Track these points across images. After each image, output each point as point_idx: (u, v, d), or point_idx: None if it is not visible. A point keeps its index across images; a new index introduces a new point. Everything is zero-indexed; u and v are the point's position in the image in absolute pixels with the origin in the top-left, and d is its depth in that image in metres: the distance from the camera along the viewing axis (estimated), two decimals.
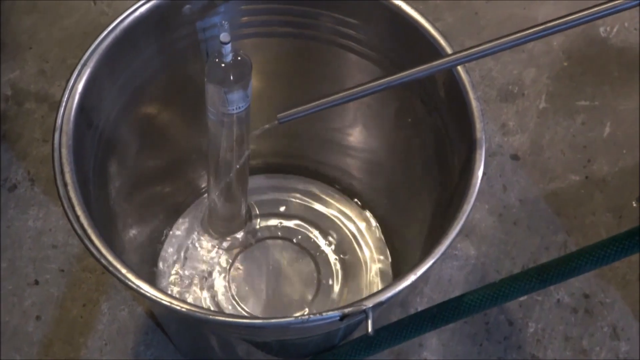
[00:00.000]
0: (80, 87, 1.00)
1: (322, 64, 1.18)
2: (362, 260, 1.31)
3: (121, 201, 1.15)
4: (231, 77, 1.01)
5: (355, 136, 1.28)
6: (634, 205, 1.39)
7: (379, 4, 1.06)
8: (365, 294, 1.28)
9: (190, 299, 1.26)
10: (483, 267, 1.34)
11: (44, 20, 1.55)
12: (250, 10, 1.12)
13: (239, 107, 1.04)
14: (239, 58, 1.01)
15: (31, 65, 1.50)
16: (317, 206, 1.35)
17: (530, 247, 1.36)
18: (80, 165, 0.98)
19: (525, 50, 1.54)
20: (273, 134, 1.29)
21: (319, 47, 1.15)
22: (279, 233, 1.33)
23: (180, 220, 1.33)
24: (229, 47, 0.99)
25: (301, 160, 1.36)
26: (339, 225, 1.34)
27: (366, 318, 0.90)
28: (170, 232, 1.32)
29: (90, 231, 0.92)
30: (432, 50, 1.03)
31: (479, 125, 1.00)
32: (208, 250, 1.31)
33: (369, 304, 0.89)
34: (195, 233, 1.32)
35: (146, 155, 1.20)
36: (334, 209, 1.35)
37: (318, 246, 1.31)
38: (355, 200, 1.35)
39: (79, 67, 1.01)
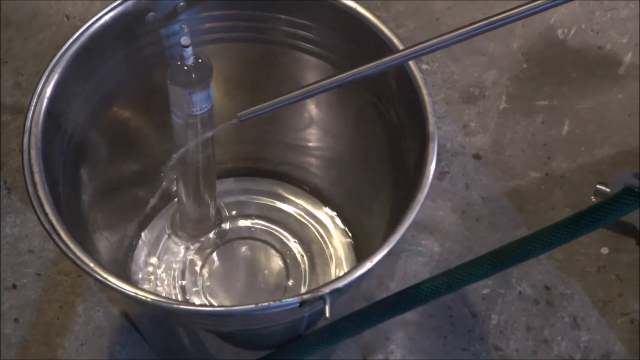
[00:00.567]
0: (48, 92, 1.04)
1: (282, 68, 1.22)
2: (328, 256, 1.35)
3: (93, 205, 1.19)
4: (194, 79, 1.05)
5: (318, 137, 1.33)
6: (593, 200, 1.44)
7: (330, 4, 1.11)
8: None
9: None
10: (447, 263, 1.38)
11: (18, 35, 1.59)
12: (210, 17, 1.16)
13: (202, 108, 1.09)
14: (200, 60, 1.06)
15: (6, 79, 1.54)
16: (285, 207, 1.40)
17: (493, 242, 1.40)
18: (49, 166, 1.02)
19: (485, 53, 1.59)
20: (240, 139, 1.34)
21: (279, 51, 1.20)
22: (249, 234, 1.37)
23: (152, 223, 1.37)
24: (189, 50, 1.03)
25: (268, 163, 1.41)
26: (305, 224, 1.38)
27: (324, 304, 0.94)
28: (142, 235, 1.36)
29: (58, 227, 0.96)
30: (385, 48, 1.08)
31: (431, 119, 1.04)
32: (179, 252, 1.35)
33: (327, 290, 0.93)
34: (166, 235, 1.36)
35: (117, 160, 1.24)
36: (301, 209, 1.39)
37: (286, 245, 1.36)
38: (321, 199, 1.40)
39: (47, 72, 1.05)
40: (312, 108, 1.27)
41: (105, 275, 0.94)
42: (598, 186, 1.42)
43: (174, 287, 1.32)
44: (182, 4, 1.13)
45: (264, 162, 1.41)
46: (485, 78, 1.57)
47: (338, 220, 1.38)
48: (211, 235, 1.36)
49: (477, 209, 1.44)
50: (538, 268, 1.39)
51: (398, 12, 1.65)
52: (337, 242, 1.36)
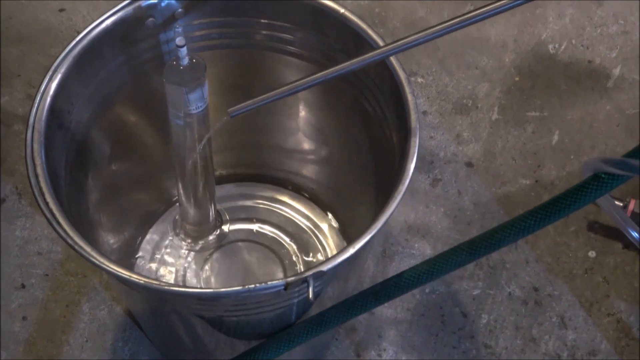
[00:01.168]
0: (51, 90, 1.10)
1: (273, 72, 1.28)
2: (324, 258, 1.40)
3: (96, 205, 1.24)
4: (189, 78, 1.11)
5: (311, 141, 1.38)
6: None
7: (308, 5, 1.17)
8: None
9: None
10: None
11: (31, 50, 1.66)
12: (207, 23, 1.22)
13: (198, 107, 1.15)
14: (194, 60, 1.12)
15: (19, 91, 1.61)
16: (282, 210, 1.45)
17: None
18: (51, 160, 1.07)
19: (478, 67, 1.65)
20: (237, 145, 1.40)
21: (270, 56, 1.26)
22: (247, 236, 1.43)
23: (155, 226, 1.43)
24: (184, 50, 1.09)
25: (266, 169, 1.47)
26: (302, 227, 1.44)
27: (307, 286, 0.99)
28: (145, 237, 1.41)
29: (58, 214, 1.01)
30: (367, 45, 1.14)
31: (413, 116, 1.09)
32: (181, 253, 1.41)
33: (309, 273, 0.98)
34: (169, 237, 1.42)
35: (119, 162, 1.30)
36: (298, 212, 1.45)
37: (283, 246, 1.41)
38: (316, 202, 1.45)
39: (50, 72, 1.11)
40: (305, 110, 1.33)
41: (100, 259, 0.99)
42: None
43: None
44: (180, 10, 1.19)
45: (262, 168, 1.46)
46: (478, 90, 1.63)
47: (333, 222, 1.43)
48: (211, 237, 1.41)
49: (468, 214, 1.49)
50: (527, 270, 1.44)
51: (395, 27, 1.71)
52: (332, 243, 1.41)
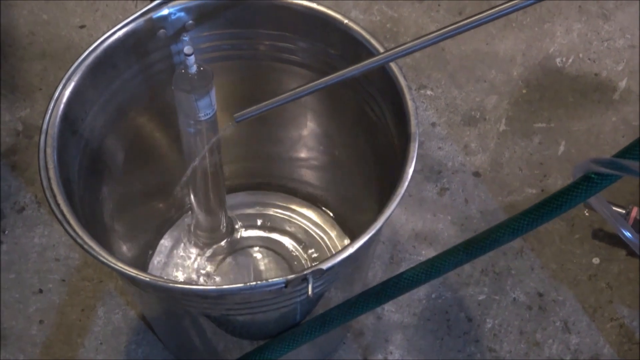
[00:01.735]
0: (65, 98, 1.14)
1: (279, 82, 1.32)
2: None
3: (110, 212, 1.29)
4: (197, 85, 1.16)
5: (320, 148, 1.42)
6: (586, 214, 1.51)
7: (313, 16, 1.21)
8: None
9: None
10: None
11: (53, 65, 1.71)
12: (214, 36, 1.26)
13: (207, 114, 1.19)
14: (202, 68, 1.16)
15: (41, 104, 1.66)
16: (292, 218, 1.49)
17: (489, 252, 1.47)
18: (64, 164, 1.12)
19: (487, 80, 1.68)
20: (249, 156, 1.44)
21: (277, 67, 1.30)
22: (258, 243, 1.47)
23: (168, 232, 1.47)
24: (192, 58, 1.14)
25: (276, 178, 1.51)
26: (312, 234, 1.47)
27: (307, 283, 1.03)
28: (159, 242, 1.46)
29: (69, 215, 1.05)
30: (367, 52, 1.18)
31: (413, 121, 1.13)
32: (194, 259, 1.45)
33: (309, 271, 1.02)
34: (182, 244, 1.46)
35: (134, 170, 1.34)
36: (307, 219, 1.49)
37: (294, 254, 1.45)
38: (326, 210, 1.50)
39: (64, 80, 1.15)
40: (312, 121, 1.37)
41: (108, 257, 1.03)
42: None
43: None
44: (190, 22, 1.23)
45: (272, 177, 1.51)
46: (486, 103, 1.66)
47: (342, 229, 1.47)
48: (223, 243, 1.46)
49: (475, 222, 1.52)
50: (532, 277, 1.47)
51: (405, 41, 1.74)
52: (339, 247, 1.45)
